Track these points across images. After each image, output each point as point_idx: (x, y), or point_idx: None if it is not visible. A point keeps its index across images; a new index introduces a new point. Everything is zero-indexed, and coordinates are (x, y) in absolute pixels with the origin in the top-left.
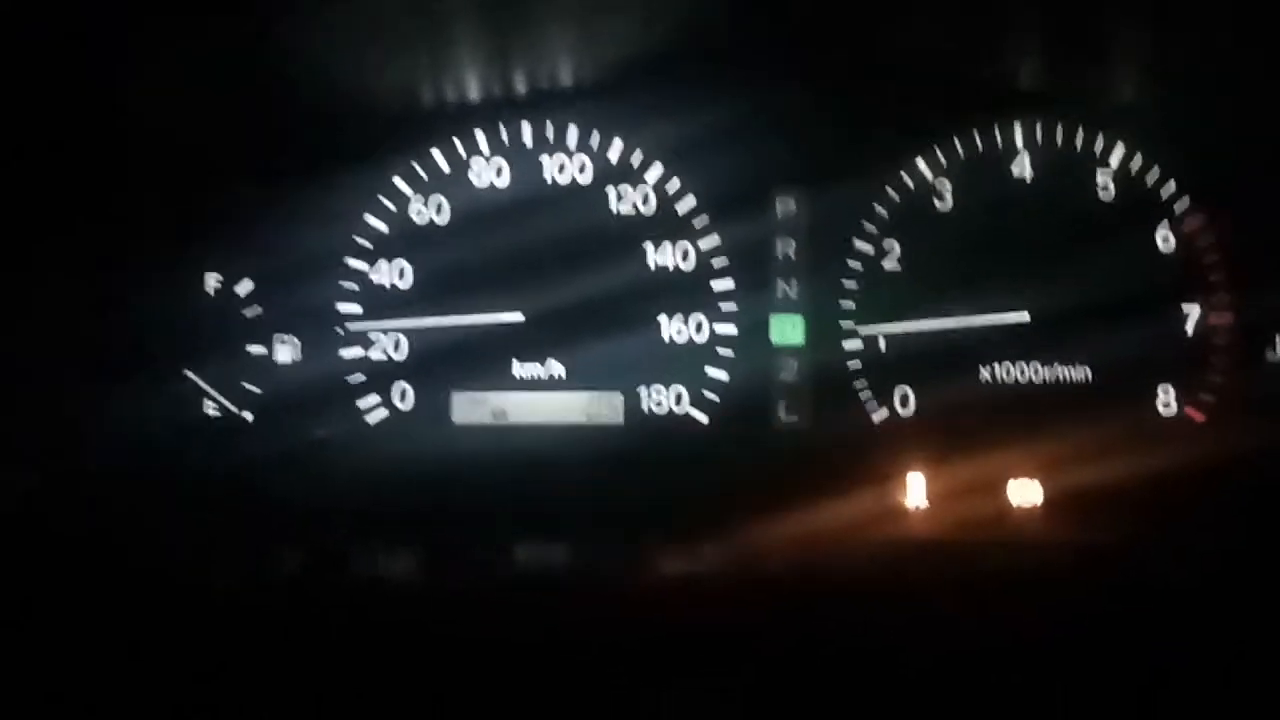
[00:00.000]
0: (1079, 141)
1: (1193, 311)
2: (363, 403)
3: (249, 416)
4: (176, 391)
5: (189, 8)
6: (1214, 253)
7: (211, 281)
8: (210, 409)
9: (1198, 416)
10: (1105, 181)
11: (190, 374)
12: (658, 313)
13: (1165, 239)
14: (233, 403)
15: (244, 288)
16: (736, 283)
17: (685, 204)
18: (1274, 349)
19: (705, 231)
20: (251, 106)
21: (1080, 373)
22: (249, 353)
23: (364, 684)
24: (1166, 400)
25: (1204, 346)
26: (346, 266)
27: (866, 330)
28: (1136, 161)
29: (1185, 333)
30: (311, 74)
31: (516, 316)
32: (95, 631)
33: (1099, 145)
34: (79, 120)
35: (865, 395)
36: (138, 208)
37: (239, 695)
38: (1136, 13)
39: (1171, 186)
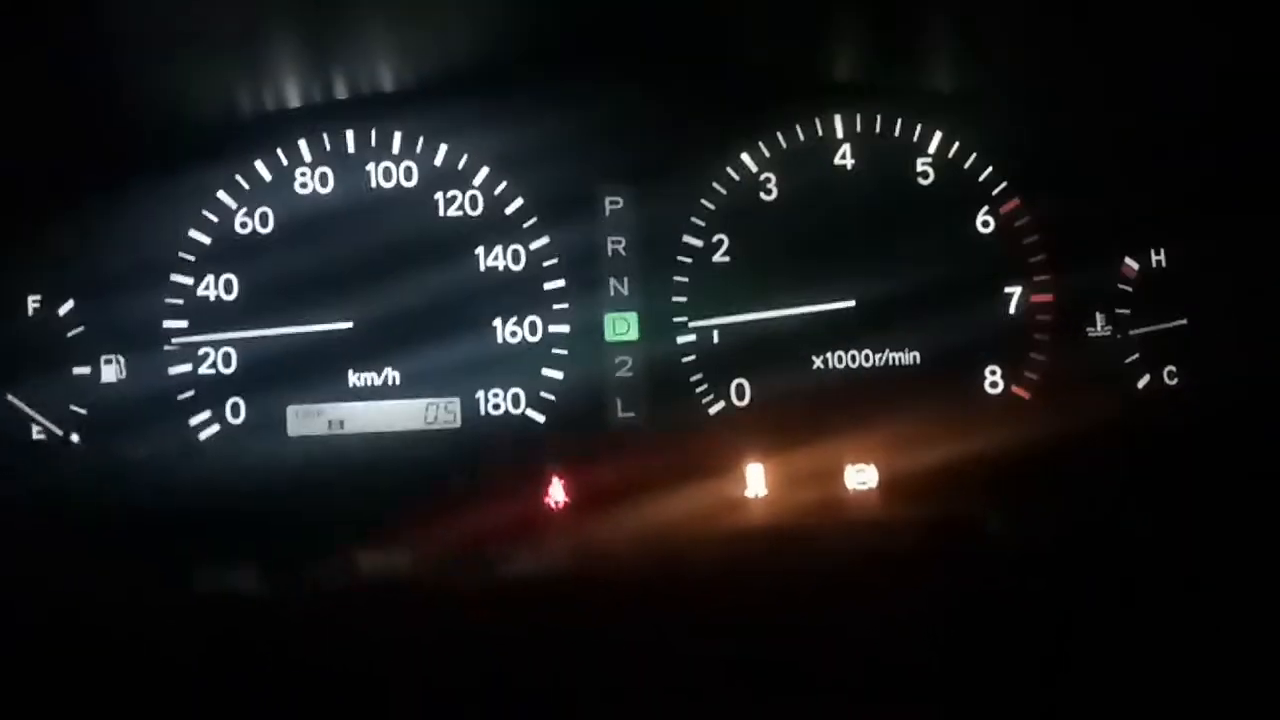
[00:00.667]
0: (898, 130)
1: (1015, 292)
2: (194, 419)
3: (76, 438)
4: (1, 417)
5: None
6: (1032, 235)
7: (31, 303)
8: (36, 433)
9: (1024, 394)
10: (925, 169)
11: (13, 399)
12: (491, 315)
13: (985, 223)
14: (59, 425)
15: (65, 308)
16: (568, 282)
17: (514, 206)
18: (1094, 325)
19: (535, 233)
20: (65, 122)
21: (909, 357)
22: (74, 374)
23: (203, 699)
24: (994, 380)
25: (1027, 326)
26: (170, 281)
27: (699, 324)
28: (954, 148)
29: (1008, 313)
30: (127, 86)
31: (347, 325)
32: None
33: (918, 133)
34: None
35: (701, 388)
36: None
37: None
38: (950, 6)
39: (989, 172)
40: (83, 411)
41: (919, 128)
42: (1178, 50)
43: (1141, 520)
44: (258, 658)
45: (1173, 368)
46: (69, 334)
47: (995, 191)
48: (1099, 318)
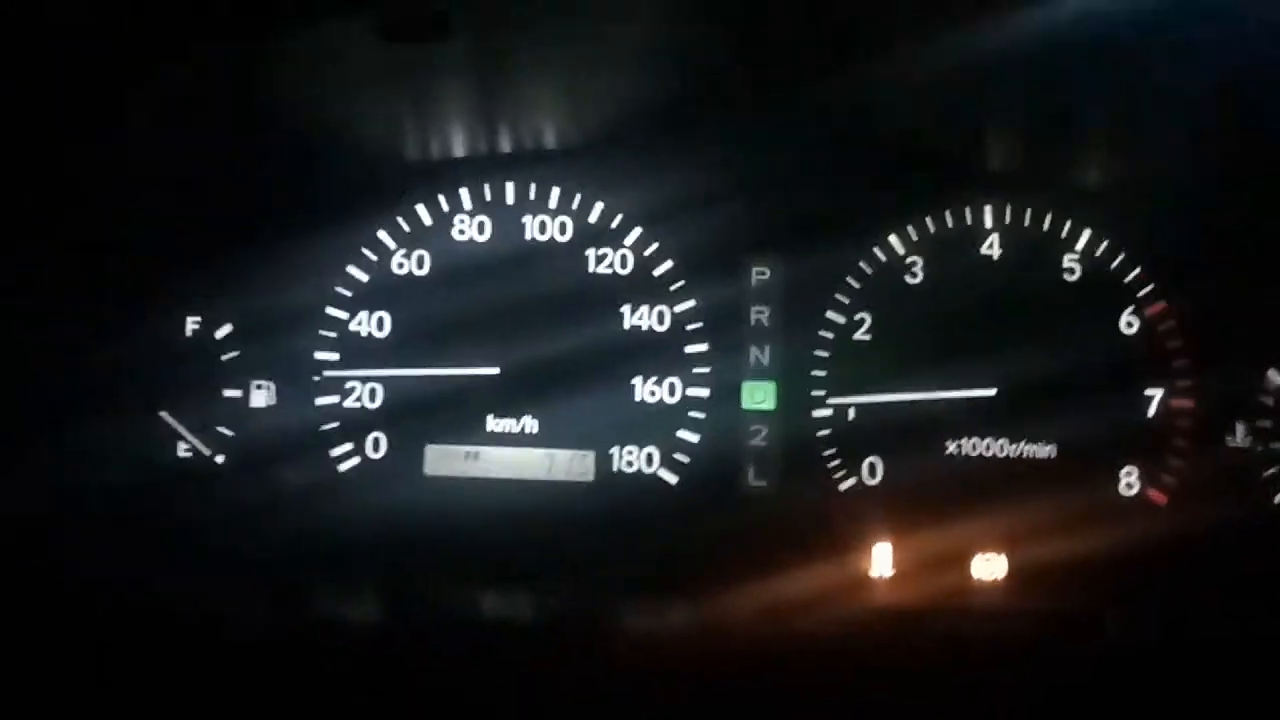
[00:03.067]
0: (1047, 224)
1: (1156, 395)
2: (336, 450)
3: (221, 460)
4: (150, 432)
5: (184, 57)
6: (1177, 339)
7: (190, 324)
8: (183, 451)
9: (1159, 498)
10: (1072, 265)
11: (165, 415)
12: (632, 373)
13: (1129, 324)
14: (206, 445)
15: (222, 331)
16: (710, 346)
17: (662, 267)
18: (1233, 435)
19: (681, 295)
20: (240, 155)
21: (1046, 450)
22: (224, 396)
23: None
24: (1130, 481)
25: (1166, 430)
26: (326, 315)
27: (836, 400)
28: (1102, 246)
29: (1148, 415)
30: (301, 125)
31: (493, 371)
32: (57, 669)
33: (1066, 229)
34: (65, 162)
35: (834, 464)
36: (120, 249)
37: None
38: (1107, 108)
39: (1136, 271)
40: (230, 434)
41: (1068, 224)
42: None
43: (1264, 634)
44: (376, 688)
45: None
46: (223, 357)
47: (1141, 293)
48: (1239, 428)
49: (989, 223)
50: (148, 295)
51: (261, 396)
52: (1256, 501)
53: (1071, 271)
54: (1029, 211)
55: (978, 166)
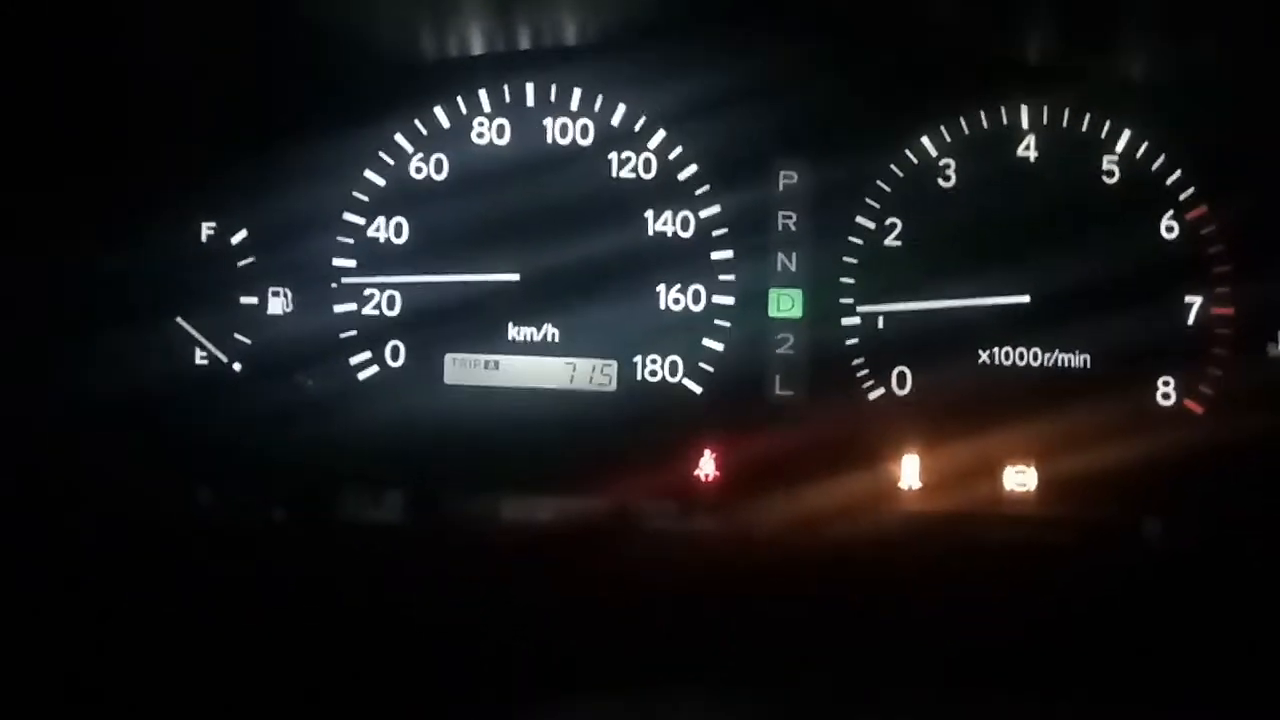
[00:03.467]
0: (1086, 125)
1: (1195, 302)
2: (354, 359)
3: (238, 367)
4: (167, 339)
5: None
6: (1218, 244)
7: (206, 230)
8: (200, 357)
9: (1196, 408)
10: (1111, 167)
11: (181, 322)
12: (655, 281)
13: (1169, 228)
14: (223, 352)
15: (238, 237)
16: (736, 253)
17: (687, 172)
18: (1275, 343)
19: (706, 200)
20: (252, 58)
21: (1080, 359)
22: (241, 303)
23: (347, 627)
24: (1166, 391)
25: (1205, 338)
26: (343, 221)
27: (865, 308)
28: (1143, 148)
29: (1186, 324)
30: (314, 26)
31: (513, 277)
32: (81, 576)
33: (1106, 130)
34: (77, 67)
35: (862, 373)
36: (135, 154)
37: (223, 638)
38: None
39: (1177, 175)
40: (247, 341)
41: (1108, 124)
42: None
43: None
44: (395, 587)
45: None
46: (239, 263)
47: (1183, 196)
48: None
49: (1025, 123)
50: (162, 201)
51: (278, 303)
52: None
53: (1110, 174)
54: (1067, 111)
55: (1014, 64)
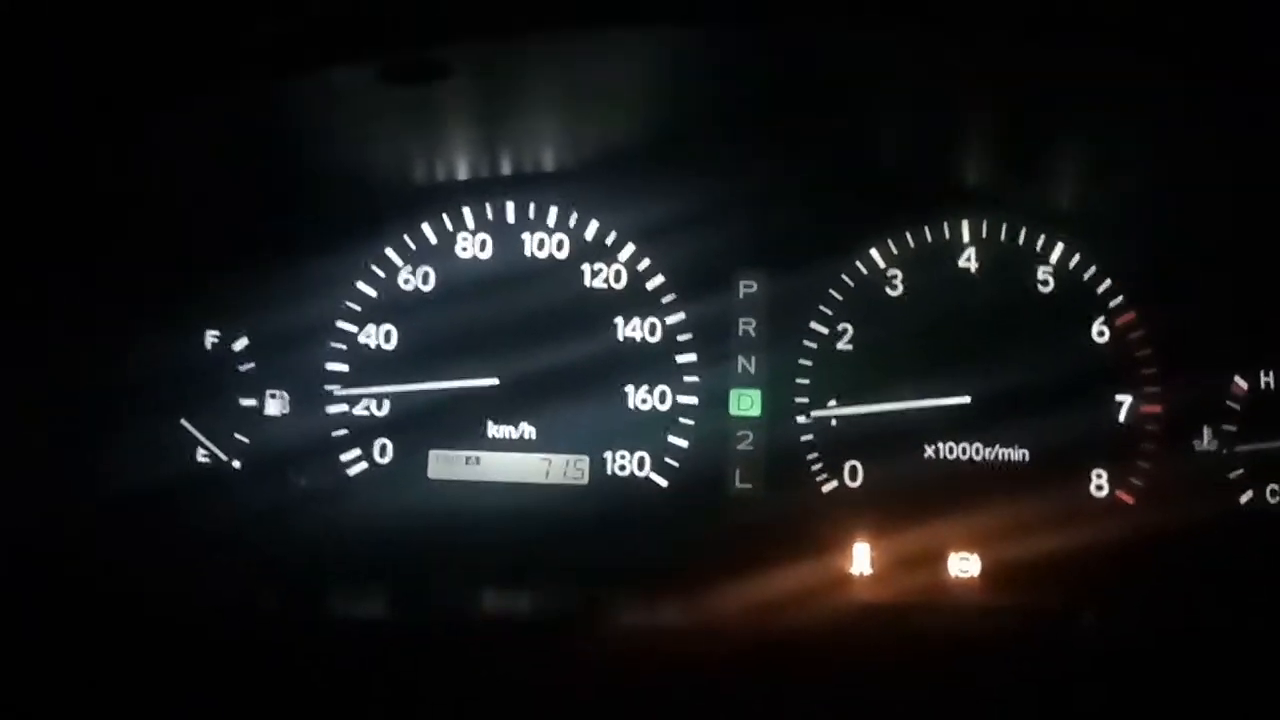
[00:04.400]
0: (1021, 239)
1: (1125, 401)
2: (345, 456)
3: (237, 465)
4: (171, 438)
5: (198, 86)
6: (1145, 348)
7: (210, 338)
8: (202, 456)
9: (1128, 499)
10: (1046, 277)
11: (185, 423)
12: (625, 382)
13: (1101, 333)
14: (223, 451)
15: (240, 344)
16: (699, 357)
17: (654, 281)
18: (1200, 439)
19: (672, 308)
20: (255, 178)
21: (1019, 454)
22: (241, 405)
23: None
24: (1099, 483)
25: (1135, 434)
26: (336, 329)
27: (819, 412)
28: (1075, 259)
29: (1118, 421)
30: (312, 150)
31: (492, 381)
32: (77, 662)
33: (1040, 243)
34: (88, 181)
35: (816, 467)
36: (145, 267)
37: None
38: (1079, 130)
39: (1107, 284)
40: (246, 440)
41: (1042, 238)
42: None
43: (1232, 629)
44: (382, 681)
45: (1276, 486)
46: (240, 368)
47: (1112, 304)
48: (1206, 432)
49: (966, 237)
50: (170, 310)
51: (275, 405)
52: (1223, 502)
53: (1045, 283)
54: (1004, 226)
55: (956, 184)
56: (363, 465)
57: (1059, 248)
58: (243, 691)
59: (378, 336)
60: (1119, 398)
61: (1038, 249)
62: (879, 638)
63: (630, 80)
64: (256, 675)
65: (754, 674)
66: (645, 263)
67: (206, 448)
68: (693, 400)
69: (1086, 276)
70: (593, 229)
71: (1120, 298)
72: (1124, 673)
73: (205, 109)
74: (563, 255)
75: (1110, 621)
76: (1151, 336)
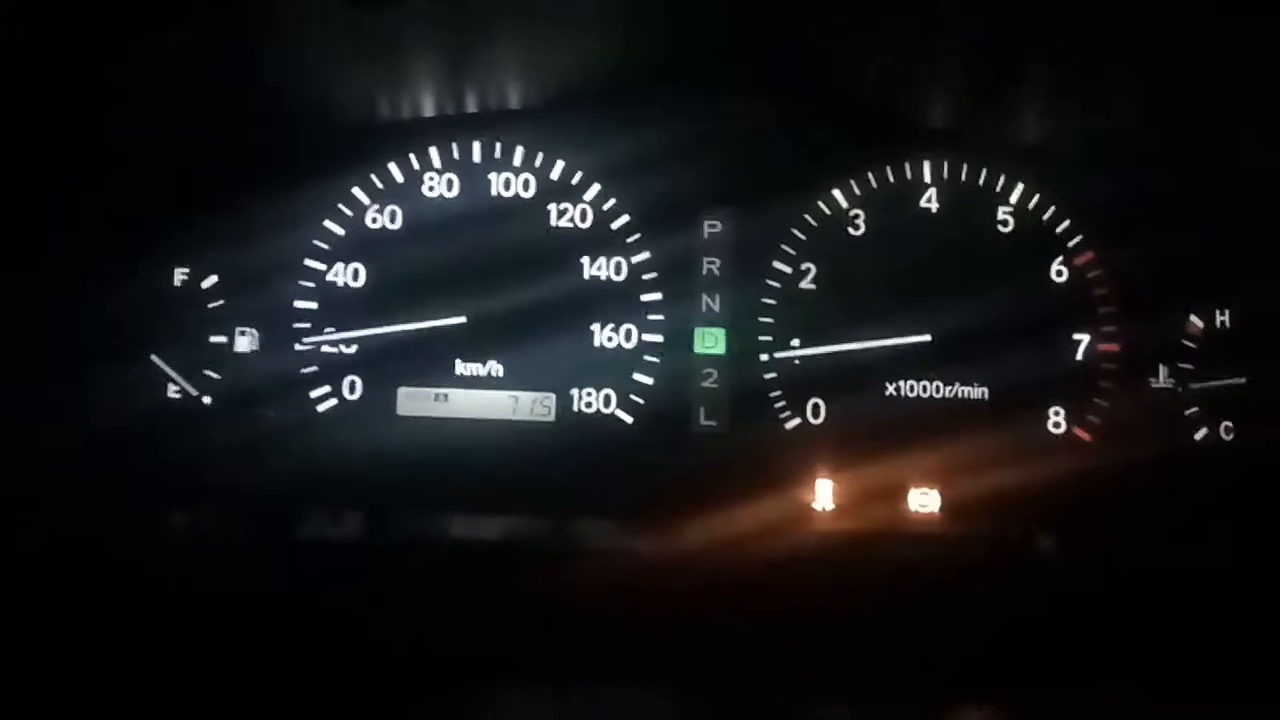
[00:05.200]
0: (982, 179)
1: (1083, 339)
2: (315, 392)
3: (208, 400)
4: (143, 375)
5: (173, 19)
6: (1103, 287)
7: (179, 275)
8: (173, 392)
9: (1085, 436)
10: (1005, 217)
11: (155, 359)
12: (590, 321)
13: (1059, 273)
14: (194, 387)
15: (209, 282)
16: (664, 295)
17: (620, 221)
18: (1156, 377)
19: (637, 247)
20: (224, 118)
21: (978, 391)
22: (211, 342)
23: (307, 637)
24: (1057, 420)
25: (1093, 372)
26: (305, 267)
27: (782, 353)
28: (1035, 199)
29: (1075, 359)
30: (280, 86)
31: (460, 320)
32: (63, 591)
33: (1001, 183)
34: (57, 121)
35: (780, 404)
36: (114, 205)
37: (192, 649)
38: (1039, 70)
39: (1066, 223)
40: (216, 376)
41: (1002, 178)
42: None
43: (1183, 556)
44: (350, 600)
45: (1230, 423)
46: (209, 305)
47: (1071, 244)
48: (1162, 370)
49: (928, 177)
50: (139, 248)
51: (245, 342)
52: (1178, 438)
53: (1005, 224)
54: (965, 167)
55: (918, 124)
56: (332, 401)
57: (1019, 188)
58: (216, 614)
59: (346, 275)
60: (1077, 336)
61: (998, 189)
62: (840, 567)
63: (591, 7)
64: (229, 599)
65: (719, 605)
66: (611, 202)
67: (177, 383)
68: (658, 338)
69: (1046, 217)
70: (558, 168)
71: (1079, 238)
72: (1079, 598)
73: (178, 41)
74: (529, 195)
75: (1067, 550)
76: (1109, 276)
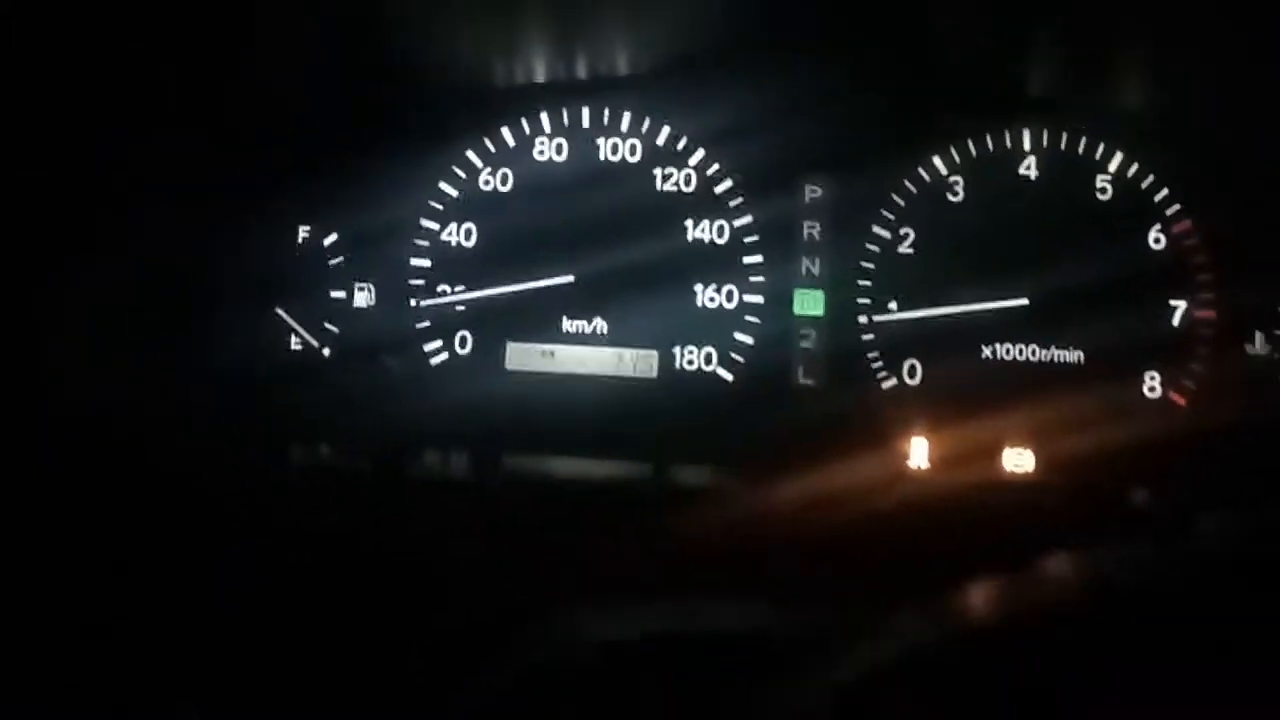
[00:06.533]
0: (1081, 147)
1: (1179, 306)
2: (428, 346)
3: (327, 352)
4: (267, 327)
5: None
6: (1200, 254)
7: (302, 233)
8: (295, 344)
9: (1180, 400)
10: (1104, 184)
11: (280, 312)
12: (693, 281)
13: (1156, 239)
14: (315, 339)
15: (330, 240)
16: (765, 258)
17: (723, 185)
18: (1252, 343)
19: (739, 211)
20: (345, 82)
21: (1074, 355)
22: (331, 297)
23: (415, 570)
24: (1152, 385)
25: (1188, 338)
26: (420, 226)
27: (880, 316)
28: (1133, 168)
29: (1171, 324)
30: (399, 51)
31: (568, 279)
32: (189, 523)
33: (1100, 151)
34: (193, 82)
35: (876, 365)
36: (243, 167)
37: (308, 581)
38: (1141, 37)
39: (1164, 192)
40: (335, 330)
41: (1101, 147)
42: None
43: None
44: (460, 537)
45: None
46: (330, 262)
47: (1169, 212)
48: (1258, 337)
49: (1027, 145)
50: (265, 207)
51: (363, 297)
52: (1273, 404)
53: (1104, 191)
54: (1065, 135)
55: (1018, 92)
56: (444, 355)
57: (1118, 157)
58: (334, 547)
59: (459, 234)
60: (1173, 303)
61: (1096, 157)
62: (935, 526)
63: None
64: (345, 534)
65: (813, 559)
66: (714, 167)
67: (300, 335)
68: (758, 299)
69: (1144, 185)
70: (664, 134)
71: (1176, 206)
72: (1178, 552)
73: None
74: (635, 159)
75: (1162, 504)
76: (1206, 244)
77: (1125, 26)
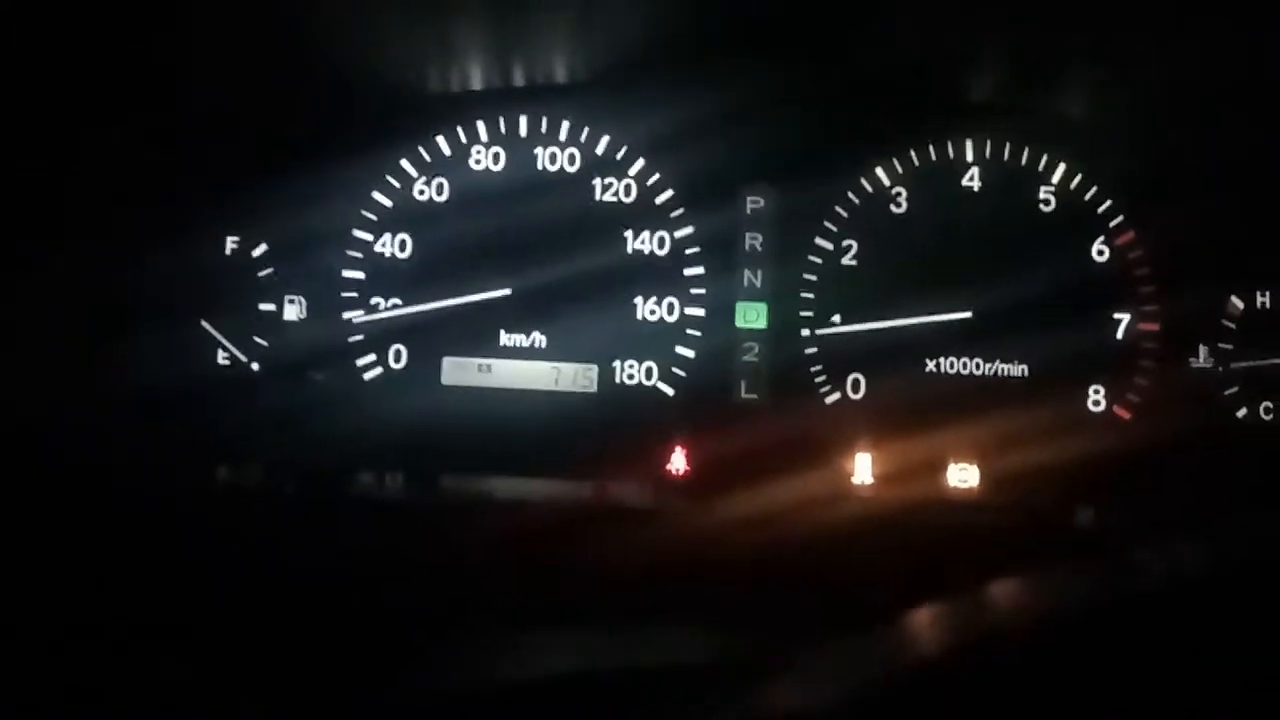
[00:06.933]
0: (1024, 159)
1: (1123, 319)
2: (361, 360)
3: (256, 367)
4: (193, 341)
5: None
6: (1144, 267)
7: (230, 243)
8: (222, 358)
9: (1124, 414)
10: (1047, 196)
11: (206, 325)
12: (633, 294)
13: (1100, 252)
14: (243, 353)
15: (259, 250)
16: (706, 270)
17: (663, 196)
18: (1197, 357)
19: (680, 222)
20: (276, 88)
21: (1018, 369)
22: (260, 309)
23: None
24: (1096, 398)
25: (1132, 351)
26: (353, 237)
27: (823, 330)
28: (1076, 179)
29: (1116, 337)
30: (331, 58)
31: (505, 291)
32: (103, 553)
33: (1043, 162)
34: (116, 88)
35: (820, 379)
36: (168, 175)
37: (235, 602)
38: (1082, 49)
39: (1108, 203)
40: (264, 343)
41: (1045, 158)
42: None
43: (1220, 533)
44: (394, 557)
45: (1270, 403)
46: (260, 273)
47: (1112, 224)
48: (1202, 350)
49: (970, 156)
50: (192, 216)
51: (293, 310)
52: (1218, 418)
53: (1047, 203)
54: (1008, 146)
55: (961, 103)
56: (378, 370)
57: (1061, 168)
58: (259, 567)
59: (393, 246)
60: (1117, 315)
61: (1040, 169)
62: (878, 542)
63: None
64: (272, 554)
65: (756, 576)
66: (654, 177)
67: (226, 349)
68: (700, 312)
69: (1087, 197)
70: (604, 143)
71: (1120, 218)
72: (1119, 569)
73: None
74: (574, 169)
75: (1103, 522)
76: (1150, 256)
77: (1066, 37)
